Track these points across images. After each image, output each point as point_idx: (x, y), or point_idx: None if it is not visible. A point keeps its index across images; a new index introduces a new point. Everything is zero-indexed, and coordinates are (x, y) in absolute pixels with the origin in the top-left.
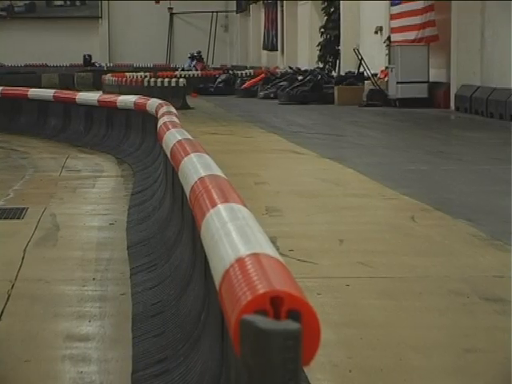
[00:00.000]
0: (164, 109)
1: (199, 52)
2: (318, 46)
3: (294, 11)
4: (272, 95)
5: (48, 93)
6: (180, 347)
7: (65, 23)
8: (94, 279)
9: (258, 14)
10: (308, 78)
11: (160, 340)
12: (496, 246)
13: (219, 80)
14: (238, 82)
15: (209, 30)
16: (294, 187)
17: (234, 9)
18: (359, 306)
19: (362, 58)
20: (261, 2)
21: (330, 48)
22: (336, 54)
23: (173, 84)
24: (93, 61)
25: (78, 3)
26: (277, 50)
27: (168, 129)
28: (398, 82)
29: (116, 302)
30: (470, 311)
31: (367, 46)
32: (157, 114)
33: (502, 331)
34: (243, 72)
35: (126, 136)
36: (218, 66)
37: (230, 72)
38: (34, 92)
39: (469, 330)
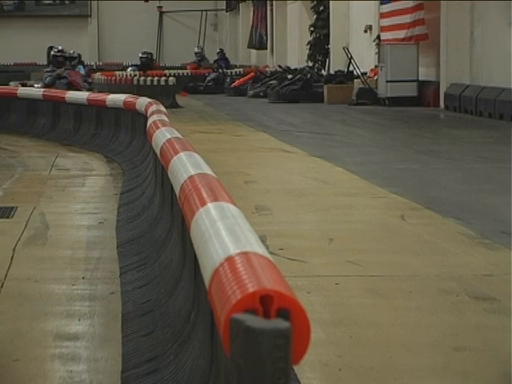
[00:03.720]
0: (153, 107)
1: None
2: (307, 44)
3: (283, 10)
4: (261, 94)
5: (37, 91)
6: (170, 346)
7: (54, 22)
8: (83, 278)
9: (247, 12)
10: (297, 76)
11: (150, 339)
12: (485, 244)
13: (209, 79)
14: (228, 80)
15: (198, 28)
16: (284, 186)
17: (224, 7)
18: (349, 304)
19: (351, 57)
20: (250, 0)
21: (319, 47)
22: (326, 53)
23: (162, 83)
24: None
25: (67, 2)
26: (264, 49)
27: (157, 127)
28: (387, 81)
29: (105, 300)
30: (459, 310)
31: (357, 44)
32: (146, 113)
33: (492, 330)
34: (233, 71)
35: (115, 135)
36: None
37: (220, 71)
38: (23, 91)
39: (458, 328)
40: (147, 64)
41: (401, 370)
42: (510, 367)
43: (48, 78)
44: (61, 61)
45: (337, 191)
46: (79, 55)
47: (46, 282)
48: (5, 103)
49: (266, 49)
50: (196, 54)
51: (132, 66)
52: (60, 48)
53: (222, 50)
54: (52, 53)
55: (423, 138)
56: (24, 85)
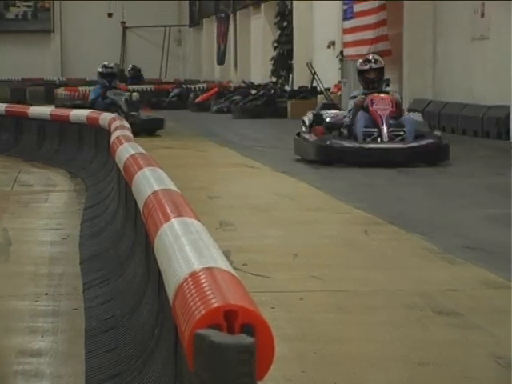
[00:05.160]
0: (117, 123)
1: None
2: (271, 60)
3: (247, 25)
4: (225, 109)
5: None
6: (133, 362)
7: (17, 37)
8: (46, 294)
9: (210, 28)
10: (261, 92)
11: (113, 355)
12: (448, 259)
13: (172, 94)
14: (192, 96)
15: (162, 44)
16: (248, 201)
17: (187, 23)
18: (313, 320)
19: (314, 73)
20: (213, 16)
21: (283, 62)
22: (289, 69)
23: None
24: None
25: (29, 17)
26: (230, 64)
27: (121, 143)
28: (350, 97)
29: (69, 316)
30: (423, 325)
31: (320, 60)
32: (110, 128)
33: (456, 344)
34: (196, 86)
35: (78, 150)
36: (172, 80)
37: (183, 86)
38: None
39: (423, 343)
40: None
41: None
42: None
43: None
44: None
45: (301, 206)
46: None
47: (9, 298)
48: None
49: (231, 64)
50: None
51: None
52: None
53: (133, 67)
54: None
55: None
56: None
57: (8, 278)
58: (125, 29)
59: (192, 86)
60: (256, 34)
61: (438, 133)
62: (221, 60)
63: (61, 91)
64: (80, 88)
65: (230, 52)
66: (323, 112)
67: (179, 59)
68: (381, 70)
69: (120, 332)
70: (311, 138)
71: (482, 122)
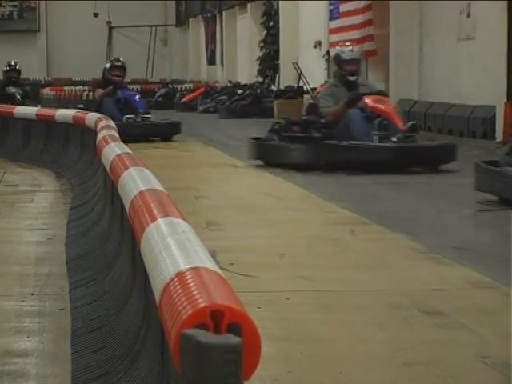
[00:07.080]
0: (103, 123)
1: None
2: (257, 60)
3: (233, 25)
4: (212, 109)
5: None
6: (120, 362)
7: (2, 37)
8: (32, 294)
9: (197, 28)
10: (247, 92)
11: (99, 355)
12: (435, 259)
13: (158, 94)
14: (178, 96)
15: (148, 43)
16: (234, 201)
17: (174, 23)
18: (299, 320)
19: (301, 72)
20: (200, 16)
21: (269, 62)
22: (275, 68)
23: None
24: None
25: (15, 17)
26: (217, 64)
27: (107, 143)
28: None
29: (55, 317)
30: (409, 324)
31: (306, 60)
32: (96, 128)
33: (442, 344)
34: (183, 86)
35: (64, 150)
36: (158, 80)
37: (170, 86)
38: None
39: (409, 343)
40: None
41: None
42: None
43: None
44: None
45: (287, 206)
46: None
47: None
48: None
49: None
50: None
51: None
52: None
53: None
54: None
55: None
56: None
57: None
58: (111, 28)
59: (178, 86)
60: (242, 34)
61: None
62: (211, 60)
63: (47, 91)
64: (66, 88)
65: (217, 52)
66: None
67: (165, 59)
68: None
69: (106, 332)
70: None
71: (468, 121)
